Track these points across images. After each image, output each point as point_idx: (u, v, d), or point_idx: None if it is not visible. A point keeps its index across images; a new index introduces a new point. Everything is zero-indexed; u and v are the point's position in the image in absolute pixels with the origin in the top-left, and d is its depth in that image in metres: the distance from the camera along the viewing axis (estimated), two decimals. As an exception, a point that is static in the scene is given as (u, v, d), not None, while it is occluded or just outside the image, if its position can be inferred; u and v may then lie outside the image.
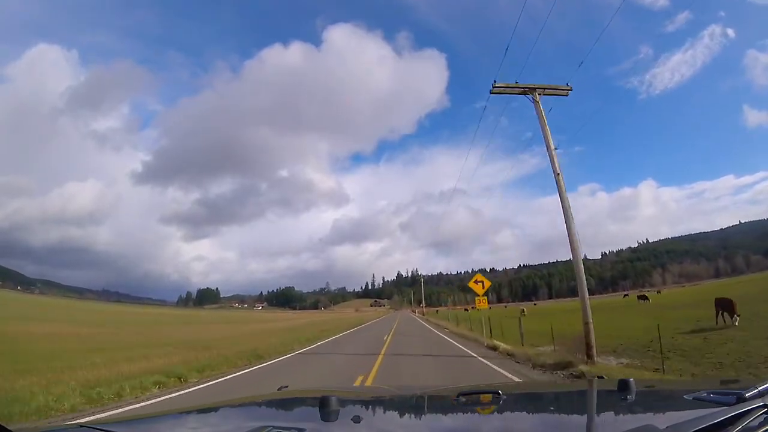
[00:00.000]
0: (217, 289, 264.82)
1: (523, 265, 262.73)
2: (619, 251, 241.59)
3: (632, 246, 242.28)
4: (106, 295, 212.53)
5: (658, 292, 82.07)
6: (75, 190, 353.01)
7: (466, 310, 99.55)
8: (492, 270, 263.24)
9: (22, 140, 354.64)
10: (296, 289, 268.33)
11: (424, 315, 79.80)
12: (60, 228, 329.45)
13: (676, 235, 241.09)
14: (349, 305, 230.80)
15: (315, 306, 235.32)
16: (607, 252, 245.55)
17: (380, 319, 70.06)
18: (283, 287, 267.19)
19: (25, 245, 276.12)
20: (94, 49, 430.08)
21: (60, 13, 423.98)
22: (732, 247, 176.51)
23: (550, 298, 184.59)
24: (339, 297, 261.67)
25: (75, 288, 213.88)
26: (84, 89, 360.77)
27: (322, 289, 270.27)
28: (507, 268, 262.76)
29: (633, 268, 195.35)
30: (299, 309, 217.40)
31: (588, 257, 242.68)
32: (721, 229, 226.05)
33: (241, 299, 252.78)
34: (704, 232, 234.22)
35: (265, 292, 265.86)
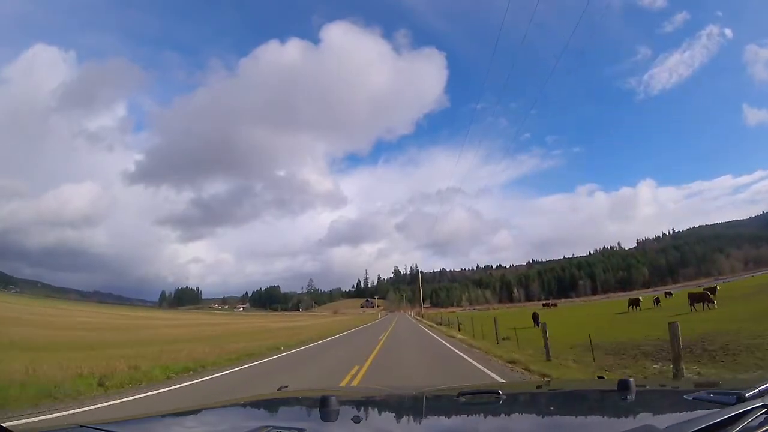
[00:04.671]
0: (197, 288, 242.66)
1: (533, 260, 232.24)
2: (658, 238, 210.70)
3: (674, 231, 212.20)
4: (95, 296, 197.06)
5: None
6: (70, 191, 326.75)
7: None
8: (498, 266, 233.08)
9: (18, 141, 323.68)
10: (291, 290, 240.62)
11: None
12: (54, 230, 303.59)
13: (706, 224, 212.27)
14: (334, 306, 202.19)
15: (297, 307, 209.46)
16: (643, 239, 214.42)
17: (342, 335, 29.92)
18: (270, 288, 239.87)
19: (21, 247, 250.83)
20: (92, 49, 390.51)
21: (57, 13, 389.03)
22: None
23: (594, 293, 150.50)
24: (326, 297, 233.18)
25: (61, 289, 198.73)
26: (77, 88, 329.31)
27: (316, 290, 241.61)
28: (515, 264, 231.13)
29: (694, 254, 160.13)
30: (281, 311, 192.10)
31: (623, 246, 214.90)
32: (751, 217, 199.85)
33: (223, 300, 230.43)
34: (737, 220, 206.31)
35: (250, 293, 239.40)
